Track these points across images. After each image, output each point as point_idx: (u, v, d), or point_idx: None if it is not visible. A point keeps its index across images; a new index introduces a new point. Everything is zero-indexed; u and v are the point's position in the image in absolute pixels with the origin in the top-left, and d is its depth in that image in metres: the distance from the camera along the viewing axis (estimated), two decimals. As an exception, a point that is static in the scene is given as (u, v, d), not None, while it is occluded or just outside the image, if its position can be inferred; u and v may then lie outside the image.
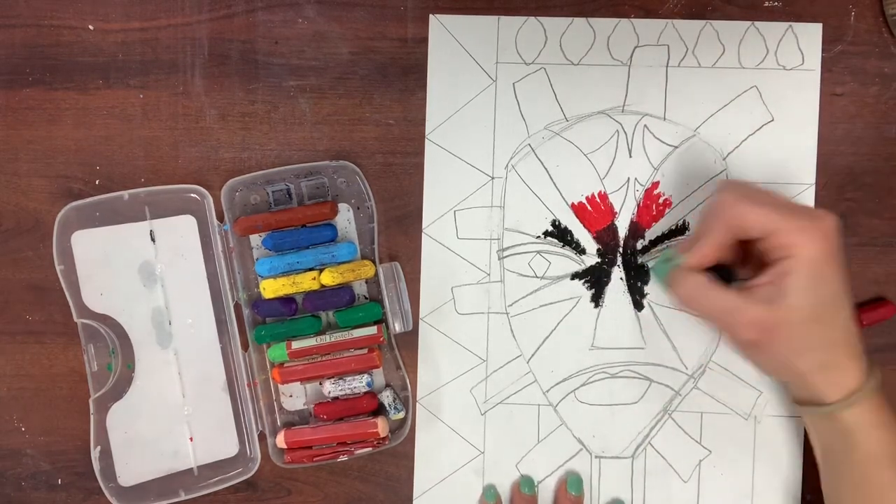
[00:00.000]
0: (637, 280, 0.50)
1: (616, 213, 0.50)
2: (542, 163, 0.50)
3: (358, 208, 0.50)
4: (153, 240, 0.50)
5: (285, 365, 0.49)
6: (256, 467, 0.50)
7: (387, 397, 0.50)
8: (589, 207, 0.50)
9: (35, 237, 0.51)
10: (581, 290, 0.50)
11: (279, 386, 0.50)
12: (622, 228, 0.50)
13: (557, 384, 0.50)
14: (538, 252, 0.50)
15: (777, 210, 0.40)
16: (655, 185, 0.50)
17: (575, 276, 0.50)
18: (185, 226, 0.50)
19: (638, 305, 0.50)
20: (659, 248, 0.50)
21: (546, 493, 0.50)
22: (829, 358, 0.41)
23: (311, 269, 0.49)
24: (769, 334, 0.40)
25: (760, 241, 0.41)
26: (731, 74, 0.50)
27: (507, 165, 0.50)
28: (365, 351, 0.48)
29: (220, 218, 0.50)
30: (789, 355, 0.41)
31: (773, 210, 0.40)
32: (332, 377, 0.49)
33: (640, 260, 0.50)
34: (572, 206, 0.50)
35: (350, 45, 0.50)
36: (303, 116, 0.50)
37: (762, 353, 0.42)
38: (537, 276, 0.50)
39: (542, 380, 0.50)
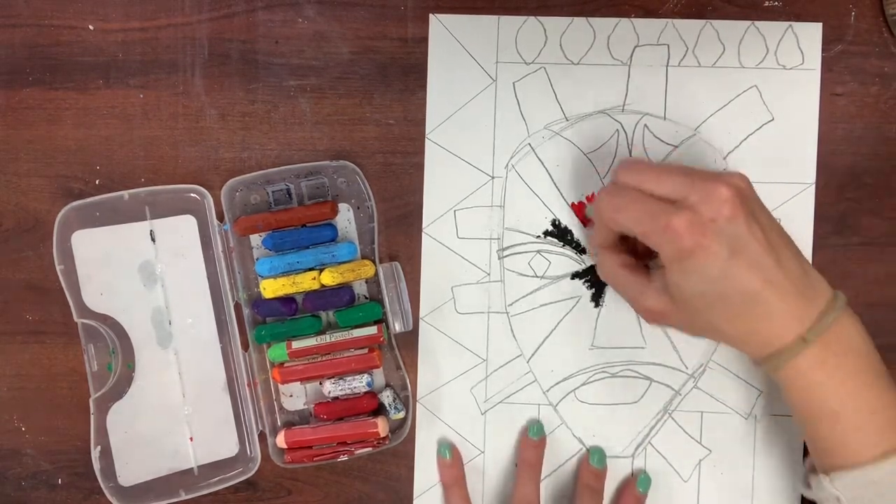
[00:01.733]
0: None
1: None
2: (542, 162, 0.50)
3: (358, 208, 0.50)
4: (153, 240, 0.50)
5: (285, 365, 0.49)
6: (256, 467, 0.50)
7: (387, 397, 0.50)
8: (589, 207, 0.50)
9: (35, 237, 0.51)
10: (581, 289, 0.50)
11: (279, 386, 0.50)
12: (622, 228, 0.50)
13: (557, 384, 0.50)
14: (538, 252, 0.50)
15: (635, 213, 0.40)
16: (655, 184, 0.50)
17: (575, 275, 0.50)
18: (185, 226, 0.50)
19: (638, 305, 0.50)
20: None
21: (546, 491, 0.50)
22: (734, 332, 0.40)
23: (311, 269, 0.49)
24: (662, 319, 0.42)
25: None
26: (731, 74, 0.50)
27: (507, 165, 0.50)
28: (365, 351, 0.48)
29: (220, 218, 0.50)
30: (692, 332, 0.43)
31: (631, 212, 0.40)
32: (332, 377, 0.49)
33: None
34: (572, 205, 0.50)
35: (350, 44, 0.50)
36: (303, 116, 0.50)
37: (672, 328, 0.44)
38: (537, 276, 0.50)
39: (542, 379, 0.50)
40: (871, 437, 0.39)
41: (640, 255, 0.45)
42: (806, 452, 0.49)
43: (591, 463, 0.49)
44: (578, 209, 0.50)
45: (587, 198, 0.50)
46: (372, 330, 0.48)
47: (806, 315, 0.39)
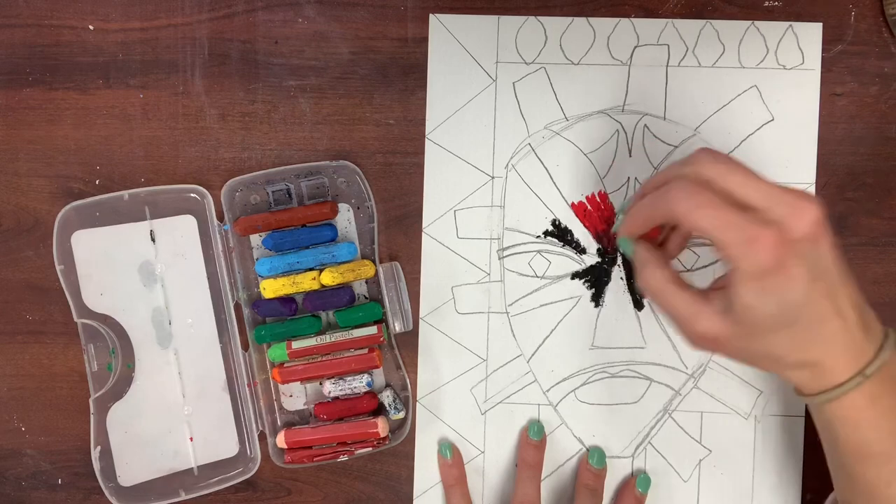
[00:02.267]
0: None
1: (616, 212, 0.50)
2: (542, 162, 0.50)
3: (358, 208, 0.50)
4: (153, 240, 0.50)
5: (285, 365, 0.49)
6: (256, 467, 0.50)
7: (387, 397, 0.50)
8: (589, 207, 0.50)
9: (35, 237, 0.51)
10: (581, 289, 0.50)
11: (279, 386, 0.50)
12: (622, 228, 0.50)
13: (557, 384, 0.50)
14: (538, 252, 0.50)
15: (717, 219, 0.36)
16: (655, 184, 0.50)
17: (575, 275, 0.50)
18: (185, 226, 0.50)
19: (638, 305, 0.50)
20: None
21: (546, 491, 0.50)
22: (795, 361, 0.38)
23: (311, 269, 0.49)
24: (717, 346, 0.39)
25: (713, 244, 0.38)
26: (731, 74, 0.50)
27: (507, 165, 0.50)
28: (365, 351, 0.48)
29: (220, 218, 0.50)
30: (746, 361, 0.40)
31: (714, 217, 0.36)
32: (332, 377, 0.49)
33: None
34: (572, 205, 0.50)
35: (350, 44, 0.50)
36: (303, 116, 0.50)
37: (720, 355, 0.41)
38: (537, 276, 0.50)
39: (542, 379, 0.50)
40: None
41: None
42: (806, 452, 0.49)
43: (591, 463, 0.49)
44: (578, 209, 0.50)
45: (590, 201, 0.49)
46: (372, 330, 0.48)
47: (865, 350, 0.38)
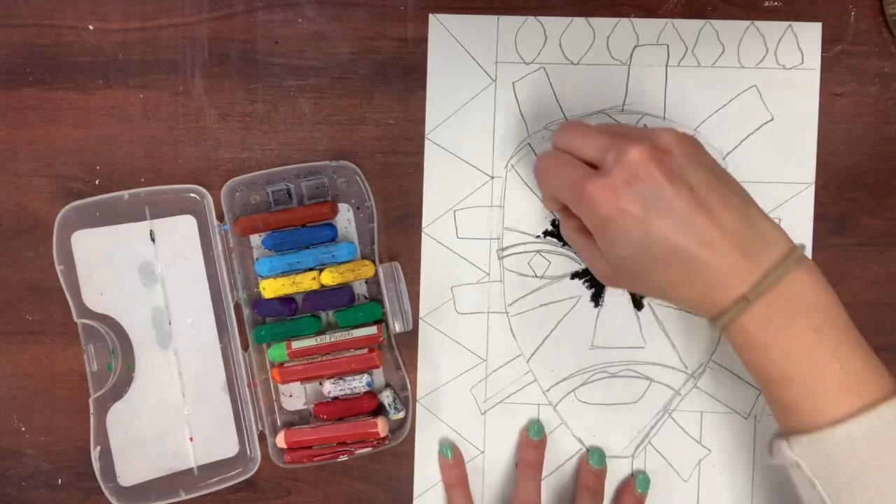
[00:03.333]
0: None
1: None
2: (541, 162, 0.50)
3: (358, 208, 0.50)
4: (153, 240, 0.50)
5: (285, 365, 0.49)
6: (256, 467, 0.50)
7: (387, 397, 0.50)
8: (589, 207, 0.50)
9: (35, 237, 0.51)
10: (581, 289, 0.50)
11: (279, 386, 0.50)
12: (622, 228, 0.50)
13: (557, 384, 0.50)
14: (538, 251, 0.50)
15: (558, 181, 0.40)
16: (655, 184, 0.50)
17: (575, 275, 0.50)
18: (185, 226, 0.50)
19: (638, 305, 0.50)
20: None
21: (546, 491, 0.50)
22: (680, 295, 0.39)
23: (311, 269, 0.49)
24: (614, 282, 0.43)
25: None
26: (731, 74, 0.50)
27: (506, 165, 0.50)
28: (365, 351, 0.48)
29: (220, 218, 0.50)
30: (646, 294, 0.43)
31: (556, 181, 0.41)
32: (332, 377, 0.49)
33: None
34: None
35: (350, 44, 0.50)
36: (303, 116, 0.50)
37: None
38: (537, 276, 0.50)
39: (542, 379, 0.50)
40: (828, 400, 0.37)
41: None
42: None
43: (591, 463, 0.49)
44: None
45: None
46: (372, 330, 0.48)
47: (749, 273, 0.37)
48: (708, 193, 0.37)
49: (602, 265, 0.42)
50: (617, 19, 0.50)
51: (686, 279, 0.38)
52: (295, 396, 0.50)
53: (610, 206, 0.37)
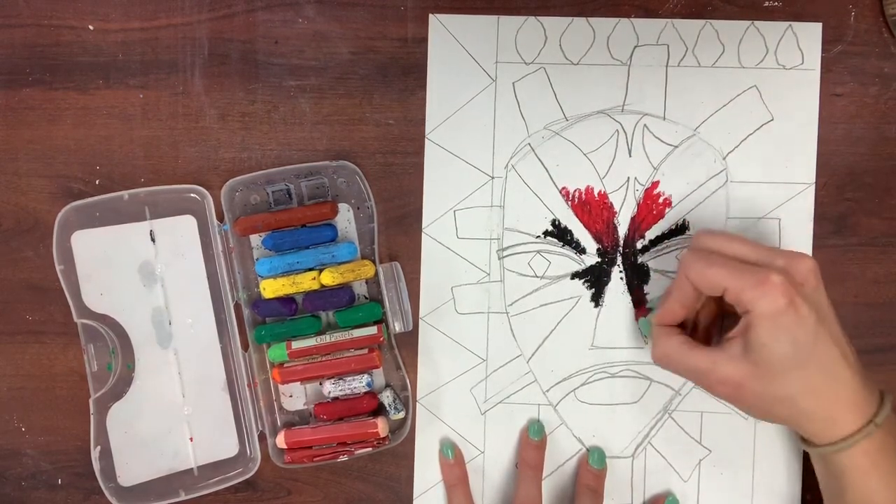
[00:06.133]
0: (637, 280, 0.50)
1: (616, 212, 0.50)
2: (541, 162, 0.50)
3: (358, 208, 0.50)
4: (153, 240, 0.50)
5: (285, 365, 0.49)
6: (256, 467, 0.50)
7: (387, 397, 0.50)
8: (589, 207, 0.50)
9: (35, 237, 0.51)
10: (581, 289, 0.50)
11: (279, 386, 0.50)
12: (622, 228, 0.50)
13: (557, 384, 0.50)
14: (538, 252, 0.50)
15: (729, 269, 0.40)
16: (655, 184, 0.50)
17: (575, 275, 0.50)
18: (185, 226, 0.50)
19: (638, 305, 0.50)
20: (659, 247, 0.50)
21: (546, 491, 0.50)
22: (810, 406, 0.40)
23: (311, 269, 0.49)
24: (739, 390, 0.41)
25: (726, 297, 0.41)
26: (731, 74, 0.50)
27: (506, 165, 0.50)
28: (365, 351, 0.48)
29: (220, 218, 0.50)
30: (764, 407, 0.41)
31: (726, 268, 0.40)
32: (332, 377, 0.49)
33: (639, 259, 0.50)
34: (572, 205, 0.50)
35: (350, 44, 0.50)
36: (303, 116, 0.50)
37: (740, 405, 0.42)
38: (537, 276, 0.50)
39: (542, 379, 0.50)
40: None
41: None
42: (806, 452, 0.49)
43: (591, 463, 0.49)
44: (578, 209, 0.50)
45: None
46: (372, 330, 0.48)
47: (871, 400, 0.40)
48: (840, 324, 0.41)
49: (730, 369, 0.41)
50: (617, 19, 0.50)
51: (825, 394, 0.40)
52: (295, 396, 0.50)
53: (790, 299, 0.39)
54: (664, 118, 0.50)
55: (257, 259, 0.49)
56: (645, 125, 0.50)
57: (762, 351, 0.39)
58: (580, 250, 0.50)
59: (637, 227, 0.50)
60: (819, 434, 0.41)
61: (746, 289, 0.39)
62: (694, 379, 0.43)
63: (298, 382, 0.49)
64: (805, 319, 0.39)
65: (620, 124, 0.50)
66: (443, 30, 0.50)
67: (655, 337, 0.45)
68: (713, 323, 0.46)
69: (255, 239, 0.50)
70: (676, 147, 0.50)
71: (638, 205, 0.50)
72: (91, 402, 0.49)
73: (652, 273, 0.50)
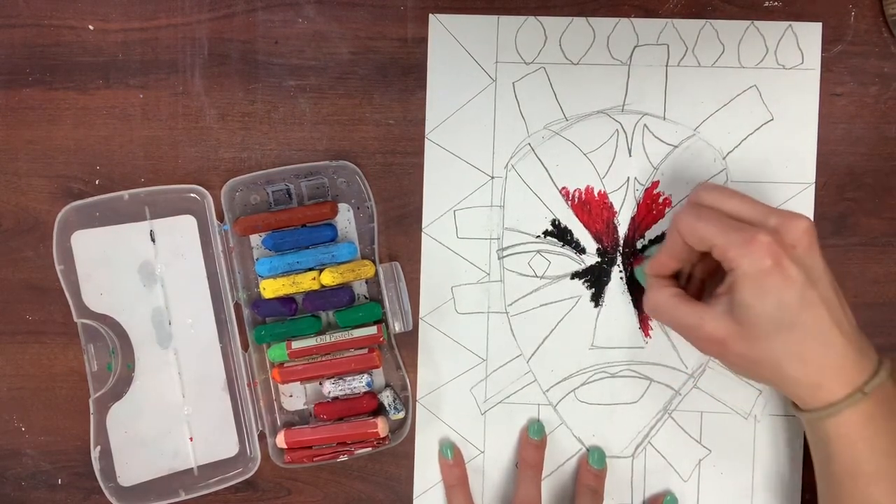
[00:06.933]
0: (637, 279, 0.50)
1: (616, 212, 0.50)
2: (541, 162, 0.50)
3: (358, 208, 0.50)
4: (153, 240, 0.50)
5: (285, 365, 0.49)
6: (256, 467, 0.50)
7: (387, 397, 0.50)
8: (589, 207, 0.50)
9: (35, 237, 0.51)
10: (581, 289, 0.50)
11: (279, 386, 0.50)
12: (622, 228, 0.50)
13: (557, 384, 0.50)
14: (538, 251, 0.50)
15: (718, 226, 0.39)
16: (655, 184, 0.50)
17: (575, 275, 0.50)
18: (185, 226, 0.50)
19: (638, 304, 0.50)
20: (658, 247, 0.50)
21: (546, 491, 0.50)
22: (795, 371, 0.39)
23: (311, 269, 0.49)
24: (723, 349, 0.40)
25: (714, 253, 0.40)
26: (731, 74, 0.50)
27: (506, 165, 0.50)
28: (365, 351, 0.48)
29: (220, 218, 0.50)
30: (749, 367, 0.41)
31: (714, 225, 0.40)
32: (332, 377, 0.49)
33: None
34: (572, 205, 0.50)
35: (350, 45, 0.50)
36: (303, 116, 0.50)
37: (725, 363, 0.42)
38: (537, 276, 0.50)
39: (542, 379, 0.50)
40: None
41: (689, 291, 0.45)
42: (806, 452, 0.49)
43: (591, 463, 0.49)
44: (578, 209, 0.50)
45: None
46: (372, 330, 0.48)
47: (863, 368, 0.39)
48: (835, 283, 0.40)
49: (715, 326, 0.40)
50: (617, 19, 0.50)
51: (812, 359, 0.39)
52: (295, 396, 0.50)
53: (776, 260, 0.38)
54: (664, 118, 0.50)
55: (257, 259, 0.49)
56: (645, 125, 0.50)
57: (746, 311, 0.39)
58: (580, 250, 0.50)
59: (637, 226, 0.50)
60: (805, 399, 0.40)
61: (732, 247, 0.39)
62: (682, 333, 0.43)
63: (298, 382, 0.49)
64: (791, 281, 0.38)
65: (620, 124, 0.50)
66: (443, 30, 0.50)
67: (648, 287, 0.44)
68: (710, 276, 0.46)
69: (255, 239, 0.50)
70: (676, 147, 0.50)
71: (638, 205, 0.50)
72: (91, 402, 0.49)
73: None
